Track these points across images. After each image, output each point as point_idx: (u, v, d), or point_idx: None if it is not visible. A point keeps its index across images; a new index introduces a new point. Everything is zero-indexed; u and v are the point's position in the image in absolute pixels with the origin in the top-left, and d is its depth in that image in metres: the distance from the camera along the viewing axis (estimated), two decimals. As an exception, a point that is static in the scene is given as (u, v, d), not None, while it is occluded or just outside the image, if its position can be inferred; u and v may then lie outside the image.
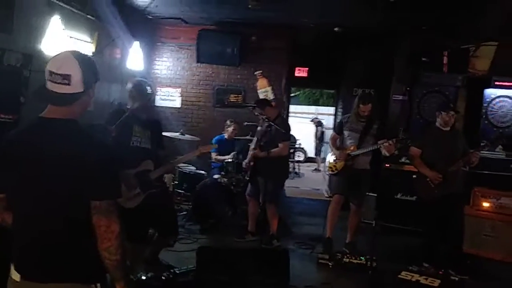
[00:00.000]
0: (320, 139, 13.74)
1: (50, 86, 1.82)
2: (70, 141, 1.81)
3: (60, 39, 4.69)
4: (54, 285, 1.79)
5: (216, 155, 6.84)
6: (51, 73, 1.81)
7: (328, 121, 15.44)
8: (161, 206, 4.08)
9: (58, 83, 1.80)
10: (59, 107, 1.84)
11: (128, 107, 4.02)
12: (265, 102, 5.72)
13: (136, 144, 3.94)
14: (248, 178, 5.74)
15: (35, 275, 1.80)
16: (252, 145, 5.72)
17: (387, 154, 5.15)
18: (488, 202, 5.21)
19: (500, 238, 5.06)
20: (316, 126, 13.91)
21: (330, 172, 5.64)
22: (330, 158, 5.59)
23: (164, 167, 4.03)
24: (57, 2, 4.75)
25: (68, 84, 1.80)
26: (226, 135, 6.96)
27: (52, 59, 1.86)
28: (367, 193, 5.70)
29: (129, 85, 4.03)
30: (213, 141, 6.83)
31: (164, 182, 4.44)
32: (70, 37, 5.05)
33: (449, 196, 4.80)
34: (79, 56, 1.87)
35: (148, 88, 4.01)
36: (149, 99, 4.07)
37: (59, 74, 1.80)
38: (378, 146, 5.10)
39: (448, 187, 4.80)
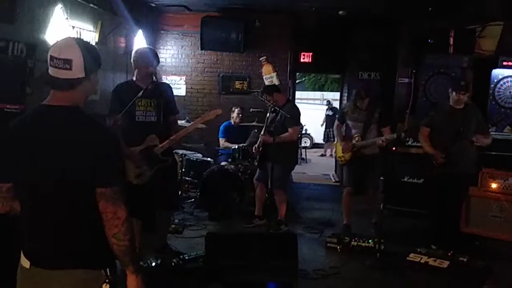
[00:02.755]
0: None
1: (52, 71, 1.82)
2: (73, 128, 1.81)
3: (63, 29, 4.70)
4: (63, 272, 1.81)
5: (225, 141, 6.85)
6: (52, 58, 1.81)
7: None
8: (167, 180, 4.11)
9: (59, 68, 1.80)
10: (61, 94, 1.84)
11: (133, 78, 4.06)
12: (273, 88, 5.70)
13: (141, 119, 3.97)
14: (256, 164, 5.75)
15: (44, 262, 1.82)
16: (262, 131, 5.72)
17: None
18: (496, 183, 5.18)
19: (508, 219, 5.04)
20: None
21: (341, 163, 5.66)
22: (338, 147, 5.60)
23: (169, 141, 4.00)
24: (60, -9, 4.73)
25: (69, 69, 1.80)
26: (232, 121, 6.97)
27: (53, 45, 1.86)
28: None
29: (133, 54, 4.08)
30: (221, 127, 6.86)
31: (173, 154, 4.43)
32: (73, 26, 5.05)
33: (456, 177, 4.79)
34: (80, 42, 1.86)
35: (149, 58, 4.01)
36: (150, 69, 4.04)
37: (60, 59, 1.79)
38: (376, 142, 5.14)
39: (453, 166, 4.79)
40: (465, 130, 4.77)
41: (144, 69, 4.00)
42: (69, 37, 1.92)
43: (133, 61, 4.07)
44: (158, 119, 4.04)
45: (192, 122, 4.47)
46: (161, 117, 4.06)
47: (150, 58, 4.03)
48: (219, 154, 6.96)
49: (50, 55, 1.82)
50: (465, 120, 4.84)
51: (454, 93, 4.89)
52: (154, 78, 4.01)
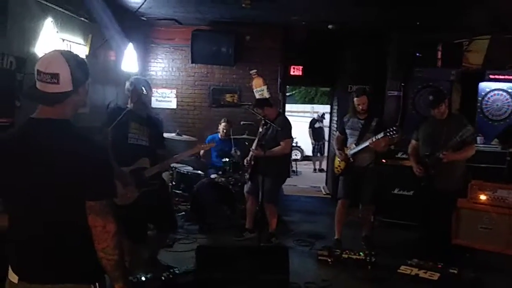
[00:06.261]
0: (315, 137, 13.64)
1: (39, 85, 1.81)
2: (63, 141, 1.80)
3: (53, 42, 4.68)
4: (52, 286, 1.79)
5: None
6: (39, 72, 1.79)
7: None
8: (158, 203, 4.09)
9: (47, 82, 1.78)
10: (50, 107, 1.82)
11: (127, 106, 4.07)
12: (264, 102, 5.71)
13: (133, 141, 3.96)
14: (248, 177, 5.74)
15: (32, 276, 1.80)
16: (254, 145, 5.72)
17: (378, 151, 5.18)
18: (485, 194, 5.21)
19: (497, 230, 5.06)
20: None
21: (336, 173, 5.65)
22: (336, 158, 5.61)
23: (160, 165, 4.03)
24: (50, 5, 4.73)
25: (57, 83, 1.78)
26: (219, 134, 6.97)
27: (40, 59, 1.85)
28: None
29: (127, 84, 4.11)
30: (207, 140, 6.85)
31: (162, 179, 4.42)
32: (64, 40, 5.04)
33: (438, 194, 4.80)
34: (67, 55, 1.85)
35: (143, 87, 4.04)
36: (144, 97, 4.07)
37: (47, 73, 1.78)
38: (368, 144, 5.11)
39: (435, 182, 4.81)
40: (446, 141, 4.70)
41: (138, 98, 4.03)
42: (56, 50, 1.89)
43: (127, 90, 4.10)
44: (150, 144, 4.05)
45: (183, 152, 4.49)
46: (153, 144, 4.07)
47: (139, 88, 4.06)
48: (210, 167, 6.95)
49: (37, 69, 1.80)
50: (446, 130, 4.76)
51: (430, 109, 4.92)
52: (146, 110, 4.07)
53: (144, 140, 4.00)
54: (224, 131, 6.94)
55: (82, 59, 1.95)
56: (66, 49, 4.69)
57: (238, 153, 6.52)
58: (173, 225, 4.57)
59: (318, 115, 14.00)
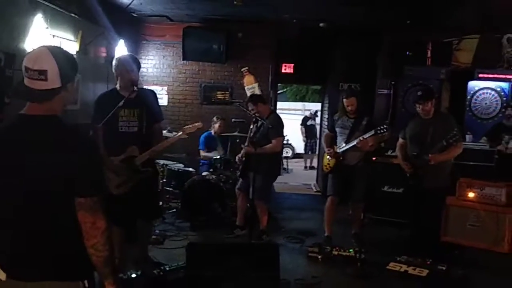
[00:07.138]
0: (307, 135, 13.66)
1: (27, 82, 1.79)
2: (52, 137, 1.79)
3: (43, 38, 4.65)
4: (41, 283, 1.78)
5: (204, 152, 6.85)
6: (27, 69, 1.77)
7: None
8: (148, 190, 4.08)
9: (35, 79, 1.77)
10: (38, 104, 1.81)
11: (116, 86, 4.03)
12: (258, 98, 5.72)
13: (124, 129, 3.93)
14: (239, 174, 5.75)
15: (21, 274, 1.79)
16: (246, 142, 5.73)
17: (364, 150, 5.21)
18: (473, 192, 5.26)
19: (485, 228, 5.11)
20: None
21: (325, 170, 5.68)
22: (325, 156, 5.64)
23: (149, 152, 3.98)
24: (40, 0, 4.69)
25: (45, 80, 1.77)
26: (213, 132, 6.97)
27: (27, 55, 1.83)
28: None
29: (113, 63, 4.03)
30: (201, 138, 6.84)
31: (154, 165, 4.39)
32: (54, 35, 5.00)
33: (426, 191, 4.86)
34: (54, 51, 1.82)
35: (130, 64, 3.97)
36: (131, 74, 3.98)
37: (35, 70, 1.76)
38: (359, 141, 5.14)
39: (422, 180, 4.86)
40: (432, 141, 4.79)
41: (126, 75, 3.94)
42: (43, 46, 1.87)
43: (114, 68, 4.00)
44: (140, 129, 3.99)
45: (172, 135, 4.42)
46: (144, 127, 4.00)
47: (131, 64, 3.98)
48: (201, 164, 6.95)
49: (25, 66, 1.78)
50: (433, 130, 4.85)
51: (415, 104, 4.97)
52: (135, 87, 3.97)
53: (134, 126, 3.96)
54: (221, 127, 6.94)
55: (70, 54, 1.93)
56: (55, 45, 4.68)
57: (221, 152, 6.54)
58: (157, 213, 4.61)
59: (311, 113, 13.99)
